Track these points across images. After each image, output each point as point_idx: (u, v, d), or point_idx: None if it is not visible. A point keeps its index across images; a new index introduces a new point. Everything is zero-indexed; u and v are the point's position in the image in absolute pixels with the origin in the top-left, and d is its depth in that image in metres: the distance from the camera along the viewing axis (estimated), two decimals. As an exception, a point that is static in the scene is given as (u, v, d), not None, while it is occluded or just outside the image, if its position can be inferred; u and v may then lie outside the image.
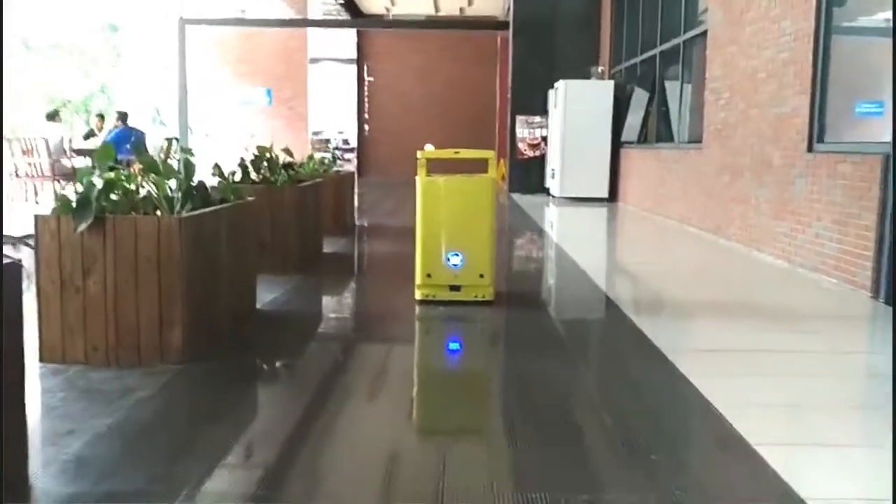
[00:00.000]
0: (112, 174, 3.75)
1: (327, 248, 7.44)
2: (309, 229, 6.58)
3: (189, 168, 4.08)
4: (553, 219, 11.84)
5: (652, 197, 11.07)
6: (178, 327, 3.55)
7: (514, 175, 15.60)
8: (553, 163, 13.83)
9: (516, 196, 14.78)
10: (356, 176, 21.57)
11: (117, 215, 3.55)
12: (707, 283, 6.13)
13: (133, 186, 3.83)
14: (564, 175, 13.18)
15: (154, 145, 12.87)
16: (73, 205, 3.49)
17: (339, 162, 21.51)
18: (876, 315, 4.99)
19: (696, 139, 9.31)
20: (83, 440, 2.67)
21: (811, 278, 6.00)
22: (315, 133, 22.89)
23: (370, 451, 2.70)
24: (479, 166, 4.98)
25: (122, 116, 12.38)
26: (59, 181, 11.28)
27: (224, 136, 19.09)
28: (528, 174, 15.35)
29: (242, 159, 6.17)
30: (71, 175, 11.58)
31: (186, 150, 4.68)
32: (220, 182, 4.53)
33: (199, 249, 3.74)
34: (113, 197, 3.69)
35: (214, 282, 4.00)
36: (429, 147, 5.31)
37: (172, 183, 3.95)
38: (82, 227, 3.44)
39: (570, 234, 10.16)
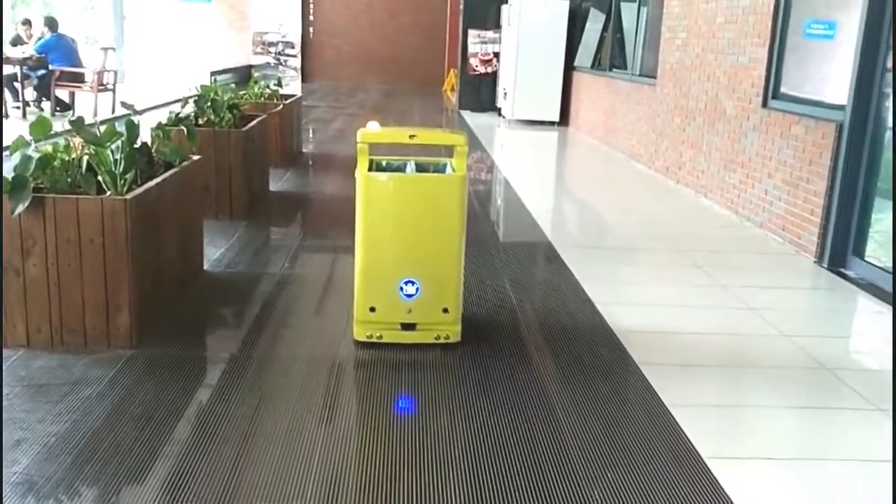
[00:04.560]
0: (48, 148, 3.54)
1: (273, 183, 7.27)
2: (254, 170, 6.39)
3: (131, 130, 3.87)
4: (504, 146, 11.74)
5: (603, 126, 11.02)
6: (125, 311, 3.44)
7: (465, 91, 15.31)
8: (505, 83, 13.59)
9: (467, 115, 14.56)
10: (301, 81, 21.02)
11: (57, 195, 3.36)
12: (663, 236, 6.19)
13: (73, 158, 3.63)
14: (517, 96, 12.98)
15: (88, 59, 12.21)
16: (9, 184, 3.29)
17: (281, 69, 20.81)
18: (819, 277, 5.15)
19: (650, 73, 9.21)
20: (31, 455, 2.60)
21: (757, 234, 6.11)
22: (258, 34, 21.99)
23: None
24: (441, 135, 4.30)
25: (51, 23, 11.64)
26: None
27: (163, 35, 18.19)
28: (480, 91, 15.08)
29: (185, 99, 5.89)
30: (-2, 85, 10.95)
31: (128, 106, 4.46)
32: (161, 140, 4.31)
33: (146, 227, 3.59)
34: (51, 170, 3.50)
35: (161, 256, 3.87)
36: (372, 125, 3.87)
37: (115, 145, 3.74)
38: (19, 209, 3.25)
39: (522, 169, 10.09)
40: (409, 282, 3.56)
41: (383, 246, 3.57)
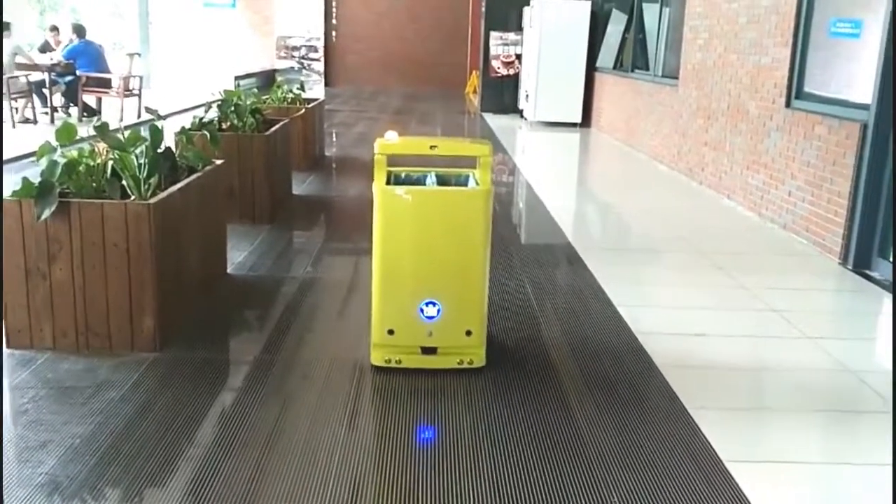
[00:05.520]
0: (74, 153, 3.60)
1: (296, 187, 7.33)
2: (277, 174, 6.44)
3: (155, 135, 3.91)
4: (526, 147, 11.73)
5: (625, 128, 10.98)
6: (149, 315, 3.49)
7: (486, 94, 15.32)
8: (527, 85, 13.58)
9: (488, 117, 14.57)
10: (324, 86, 21.14)
11: (83, 201, 3.42)
12: (685, 238, 6.15)
13: (97, 163, 3.69)
14: (538, 98, 12.97)
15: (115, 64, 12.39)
16: (35, 189, 3.35)
17: (305, 73, 20.94)
18: (843, 279, 5.09)
19: (672, 74, 9.17)
20: (56, 456, 2.65)
21: (780, 235, 6.06)
22: (282, 38, 22.15)
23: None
24: (464, 146, 3.92)
25: (79, 30, 11.84)
26: (15, 99, 10.84)
27: (186, 40, 18.36)
28: (502, 94, 15.08)
29: (209, 104, 5.96)
30: (27, 92, 11.14)
31: (152, 111, 4.51)
32: (185, 145, 4.37)
33: (170, 232, 3.64)
34: (76, 175, 3.56)
35: (185, 260, 3.92)
36: (391, 135, 3.57)
37: (139, 149, 3.79)
38: (45, 214, 3.32)
39: (543, 171, 10.09)
40: (430, 303, 3.32)
41: (402, 264, 3.33)
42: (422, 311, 3.33)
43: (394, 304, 3.35)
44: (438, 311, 3.33)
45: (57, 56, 11.75)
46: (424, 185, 3.54)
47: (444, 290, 3.33)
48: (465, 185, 3.54)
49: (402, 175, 3.60)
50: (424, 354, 3.39)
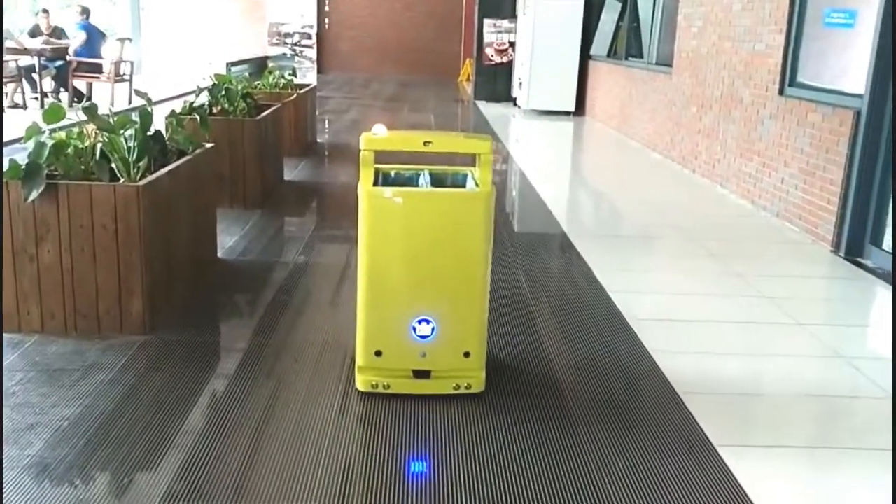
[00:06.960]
0: (62, 135, 3.56)
1: (288, 172, 7.29)
2: (269, 159, 6.41)
3: (145, 118, 3.88)
4: (519, 136, 11.69)
5: (619, 116, 10.96)
6: (137, 297, 3.46)
7: (480, 82, 15.26)
8: (521, 73, 13.54)
9: (481, 105, 14.52)
10: (316, 72, 21.03)
11: (71, 182, 3.38)
12: (679, 226, 6.15)
13: (86, 145, 3.65)
14: (532, 86, 12.92)
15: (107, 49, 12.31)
16: (23, 170, 3.31)
17: (297, 60, 20.84)
18: (835, 266, 5.09)
19: (666, 62, 9.14)
20: (44, 439, 2.63)
21: (773, 223, 6.06)
22: (274, 24, 22.00)
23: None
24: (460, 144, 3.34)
25: (86, 11, 11.86)
26: (4, 84, 10.74)
27: (178, 24, 18.20)
28: (495, 81, 15.02)
29: (199, 87, 5.91)
30: (16, 77, 11.04)
31: (142, 94, 4.47)
32: (174, 128, 4.33)
33: (159, 214, 3.61)
34: (65, 157, 3.52)
35: (174, 243, 3.89)
36: (379, 129, 3.15)
37: (129, 132, 3.75)
38: (33, 195, 3.28)
39: (537, 159, 10.06)
40: (424, 320, 2.96)
41: (392, 277, 2.94)
42: (414, 329, 2.97)
43: (382, 321, 2.99)
44: (433, 329, 2.97)
45: (81, 37, 11.68)
46: (417, 185, 3.17)
47: (440, 305, 2.97)
48: (463, 185, 3.17)
49: (392, 174, 3.23)
50: (416, 378, 3.04)
